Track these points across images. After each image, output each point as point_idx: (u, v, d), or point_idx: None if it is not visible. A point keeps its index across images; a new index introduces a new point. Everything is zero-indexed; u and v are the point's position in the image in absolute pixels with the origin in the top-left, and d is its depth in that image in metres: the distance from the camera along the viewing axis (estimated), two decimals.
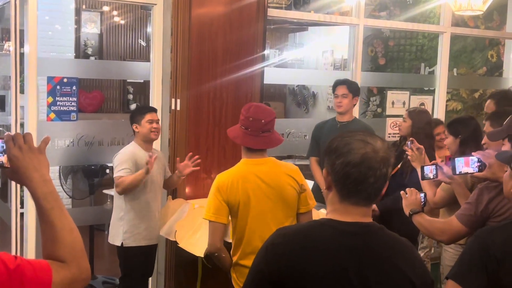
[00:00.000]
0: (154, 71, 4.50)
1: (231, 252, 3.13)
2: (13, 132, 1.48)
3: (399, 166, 4.27)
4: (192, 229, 3.92)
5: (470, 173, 2.95)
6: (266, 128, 3.00)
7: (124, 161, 4.00)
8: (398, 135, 4.75)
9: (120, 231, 4.10)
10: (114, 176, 4.02)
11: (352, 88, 4.63)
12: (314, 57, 9.51)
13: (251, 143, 3.01)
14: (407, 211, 2.97)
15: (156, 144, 4.41)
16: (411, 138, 3.95)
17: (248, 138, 3.01)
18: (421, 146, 3.75)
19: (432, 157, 3.91)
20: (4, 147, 1.44)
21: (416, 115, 4.35)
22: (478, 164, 2.88)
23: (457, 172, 2.98)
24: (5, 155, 1.44)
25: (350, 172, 1.65)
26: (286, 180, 3.04)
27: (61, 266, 1.37)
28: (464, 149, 3.46)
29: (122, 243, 4.09)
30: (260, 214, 2.98)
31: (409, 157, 3.75)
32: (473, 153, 2.93)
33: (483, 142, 3.06)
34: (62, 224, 1.42)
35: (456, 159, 2.99)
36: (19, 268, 1.27)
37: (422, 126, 4.31)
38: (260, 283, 1.69)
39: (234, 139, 3.10)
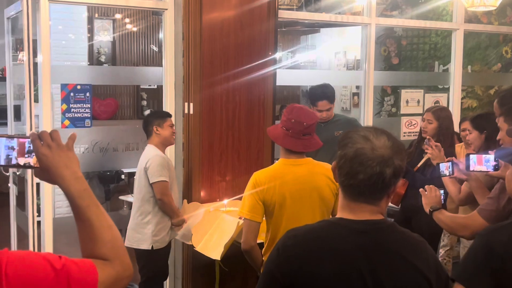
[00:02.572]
0: (167, 75, 4.51)
1: (263, 251, 3.13)
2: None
3: (418, 165, 4.25)
4: (208, 232, 3.91)
5: (483, 171, 2.91)
6: (307, 131, 3.00)
7: (162, 165, 4.09)
8: (417, 134, 4.71)
9: (148, 235, 4.13)
10: (156, 180, 4.05)
11: (332, 98, 4.57)
12: (326, 59, 9.48)
13: (291, 145, 3.00)
14: (427, 209, 2.94)
15: (171, 148, 4.43)
16: (428, 137, 3.93)
17: (289, 140, 3.00)
18: (438, 144, 3.73)
19: (452, 155, 3.86)
20: (31, 147, 1.39)
21: (441, 114, 4.32)
22: (495, 163, 2.84)
23: (470, 170, 2.94)
24: (34, 156, 1.38)
25: (343, 165, 1.65)
26: (324, 181, 3.02)
27: (105, 264, 1.32)
28: (489, 145, 3.41)
29: (152, 246, 4.13)
30: (296, 215, 2.96)
31: (429, 155, 3.71)
32: (489, 152, 2.89)
33: (498, 137, 3.01)
34: (100, 221, 1.37)
35: (470, 156, 2.95)
36: (65, 268, 1.23)
37: (448, 125, 4.31)
38: (273, 285, 1.68)
39: (274, 140, 3.12)
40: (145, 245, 4.14)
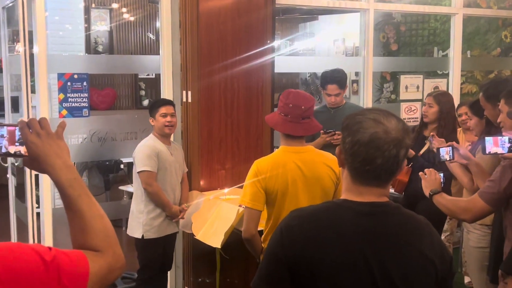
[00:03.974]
0: (164, 64, 4.49)
1: (262, 238, 3.11)
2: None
3: (422, 151, 4.22)
4: (208, 220, 3.90)
5: (499, 153, 2.87)
6: (306, 114, 2.97)
7: (148, 155, 4.04)
8: (416, 120, 4.68)
9: (140, 224, 4.12)
10: (139, 170, 4.04)
11: (342, 83, 4.51)
12: (325, 46, 9.44)
13: (291, 130, 2.96)
14: (427, 192, 2.92)
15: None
16: (432, 134, 3.89)
17: (288, 125, 2.96)
18: (443, 140, 3.70)
19: (454, 141, 3.83)
20: (20, 135, 1.35)
21: (442, 98, 4.29)
22: (509, 144, 2.80)
23: (487, 152, 2.89)
24: (23, 144, 1.35)
25: (358, 151, 1.61)
26: (324, 170, 2.99)
27: (96, 255, 1.29)
28: (490, 129, 3.38)
29: (142, 235, 4.11)
30: (297, 204, 2.91)
31: (433, 148, 3.65)
32: (503, 133, 2.86)
33: (499, 120, 2.99)
34: (92, 211, 1.33)
35: (485, 138, 2.90)
36: (56, 260, 1.19)
37: (449, 109, 4.27)
38: (276, 267, 1.65)
39: (274, 127, 3.08)
40: (137, 234, 4.14)
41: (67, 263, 1.21)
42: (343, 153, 1.68)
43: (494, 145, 2.86)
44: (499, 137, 2.84)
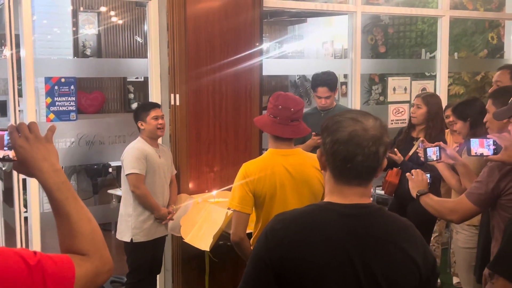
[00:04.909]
0: (152, 67, 4.48)
1: (251, 241, 3.10)
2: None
3: (410, 153, 4.23)
4: (197, 223, 3.90)
5: (485, 155, 2.88)
6: (295, 116, 2.97)
7: (136, 158, 4.04)
8: (404, 121, 4.68)
9: (129, 227, 4.11)
10: (128, 173, 4.04)
11: (332, 86, 4.51)
12: (314, 49, 9.48)
13: (280, 132, 2.96)
14: (414, 193, 2.93)
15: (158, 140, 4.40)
16: (421, 138, 3.90)
17: (277, 127, 2.96)
18: (432, 144, 3.71)
19: (442, 141, 3.84)
20: (9, 140, 1.35)
21: (430, 99, 4.31)
22: (494, 147, 2.81)
23: (473, 154, 2.90)
24: (12, 149, 1.35)
25: (338, 150, 1.63)
26: (313, 173, 2.98)
27: (83, 259, 1.29)
28: (475, 131, 3.40)
29: (131, 238, 4.10)
30: (286, 206, 2.89)
31: (421, 159, 3.67)
32: (488, 136, 2.87)
33: (485, 120, 3.01)
34: (79, 214, 1.33)
35: (471, 140, 2.91)
36: (40, 264, 1.19)
37: (437, 110, 4.29)
38: (262, 271, 1.64)
39: (263, 128, 3.09)
40: (126, 237, 4.13)
41: (52, 267, 1.21)
42: (324, 154, 1.69)
43: (480, 146, 2.87)
44: (485, 139, 2.85)
